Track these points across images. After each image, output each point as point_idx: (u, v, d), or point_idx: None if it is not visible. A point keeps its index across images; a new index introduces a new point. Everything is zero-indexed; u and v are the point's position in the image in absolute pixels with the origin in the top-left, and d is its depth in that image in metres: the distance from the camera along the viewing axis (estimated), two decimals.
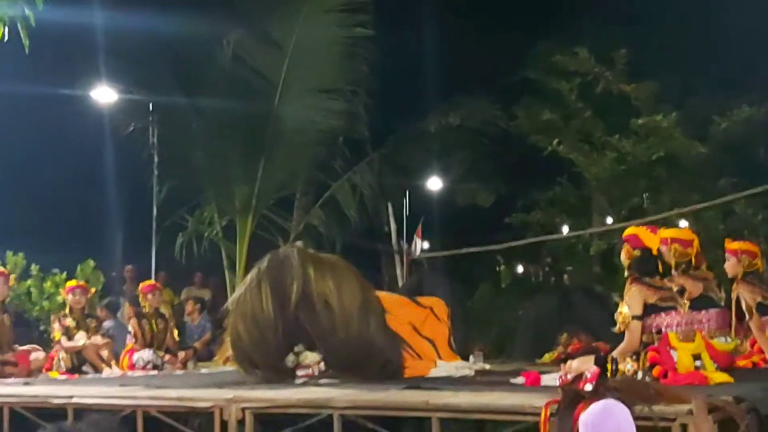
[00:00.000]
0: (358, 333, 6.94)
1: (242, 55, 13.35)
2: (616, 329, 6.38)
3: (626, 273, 6.55)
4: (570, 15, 15.64)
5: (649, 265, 6.37)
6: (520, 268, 19.56)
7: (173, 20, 12.59)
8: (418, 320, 7.74)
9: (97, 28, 13.10)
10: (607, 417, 3.85)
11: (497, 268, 18.94)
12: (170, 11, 12.38)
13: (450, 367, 7.43)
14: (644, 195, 14.05)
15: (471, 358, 8.76)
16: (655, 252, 6.42)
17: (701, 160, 13.53)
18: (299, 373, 7.14)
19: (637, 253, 6.44)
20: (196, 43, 13.20)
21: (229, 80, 13.26)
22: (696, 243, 6.53)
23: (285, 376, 7.04)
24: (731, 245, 7.91)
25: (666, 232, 6.57)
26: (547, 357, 9.53)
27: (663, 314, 6.16)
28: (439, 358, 7.61)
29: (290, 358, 7.15)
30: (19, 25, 6.38)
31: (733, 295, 7.52)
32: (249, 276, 7.39)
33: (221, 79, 13.30)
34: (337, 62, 13.23)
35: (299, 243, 7.61)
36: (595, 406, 3.97)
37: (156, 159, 13.53)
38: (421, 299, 8.19)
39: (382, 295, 7.88)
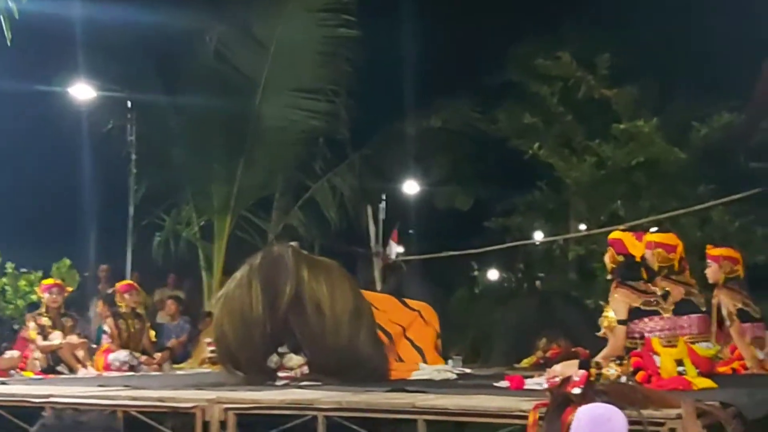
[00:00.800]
0: (347, 341, 6.87)
1: (224, 52, 13.30)
2: (600, 333, 6.37)
3: (609, 277, 6.56)
4: (552, 19, 15.67)
5: (632, 272, 6.37)
6: (496, 273, 19.55)
7: (154, 16, 12.51)
8: (405, 322, 7.70)
9: (76, 23, 12.99)
10: (603, 421, 3.82)
11: (473, 273, 18.93)
12: (151, 7, 12.31)
13: (431, 370, 7.39)
14: (619, 201, 14.07)
15: (450, 362, 8.74)
16: (638, 259, 6.42)
17: (680, 166, 13.57)
18: (281, 374, 7.06)
19: (620, 258, 6.44)
20: (177, 39, 13.14)
21: (210, 78, 13.21)
22: (680, 249, 6.55)
23: (266, 377, 6.95)
24: (713, 251, 7.95)
25: (651, 237, 6.58)
26: (525, 362, 9.53)
27: (646, 319, 6.16)
28: (425, 362, 7.56)
29: (273, 359, 7.05)
30: (1, 18, 6.29)
31: (714, 302, 7.55)
32: (240, 272, 7.28)
33: (202, 77, 13.24)
34: (320, 62, 13.22)
35: (295, 243, 7.49)
36: (592, 408, 3.92)
37: (134, 157, 13.40)
38: (411, 302, 8.16)
39: (374, 294, 7.83)
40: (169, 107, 13.48)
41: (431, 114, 14.72)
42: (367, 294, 7.78)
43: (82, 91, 13.88)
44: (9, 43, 6.38)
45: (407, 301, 8.17)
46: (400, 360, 7.51)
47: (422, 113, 14.96)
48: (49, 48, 13.20)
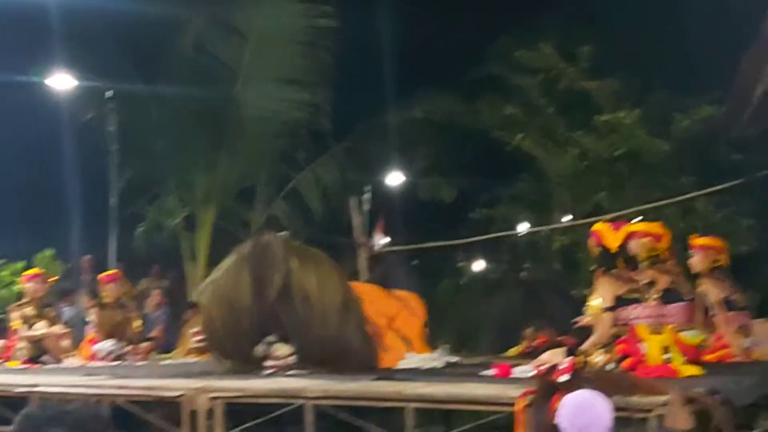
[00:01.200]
0: (335, 332, 6.86)
1: (204, 42, 13.24)
2: (582, 322, 6.40)
3: (592, 267, 6.58)
4: (534, 11, 15.69)
5: (608, 263, 6.40)
6: (482, 264, 19.58)
7: (133, 5, 12.42)
8: (392, 313, 7.69)
9: (54, 12, 12.88)
10: (587, 407, 3.85)
11: (458, 264, 18.95)
12: None
13: (418, 359, 7.40)
14: (603, 192, 14.13)
15: (438, 351, 8.75)
16: (614, 251, 6.45)
17: (663, 158, 13.64)
18: (268, 363, 7.05)
19: (598, 249, 6.47)
20: (156, 29, 13.03)
21: (190, 68, 13.13)
22: (667, 238, 6.58)
23: (253, 366, 6.94)
24: (697, 241, 7.98)
25: (638, 226, 6.61)
26: (512, 351, 9.56)
27: (631, 307, 6.19)
28: (412, 349, 7.57)
29: (261, 348, 7.04)
30: None
31: (700, 290, 7.58)
32: (228, 261, 7.26)
33: (182, 66, 13.16)
34: (300, 52, 13.17)
35: (285, 233, 7.46)
36: (577, 395, 3.96)
37: (115, 147, 13.31)
38: (397, 292, 8.15)
39: (361, 285, 7.82)
40: (149, 97, 13.39)
41: (414, 105, 14.72)
42: (354, 285, 7.77)
43: (62, 82, 13.76)
44: None
45: (395, 292, 8.15)
46: (386, 350, 7.51)
47: (405, 104, 14.95)
48: (27, 38, 13.11)
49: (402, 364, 7.24)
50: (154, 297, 12.40)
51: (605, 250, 6.42)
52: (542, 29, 15.19)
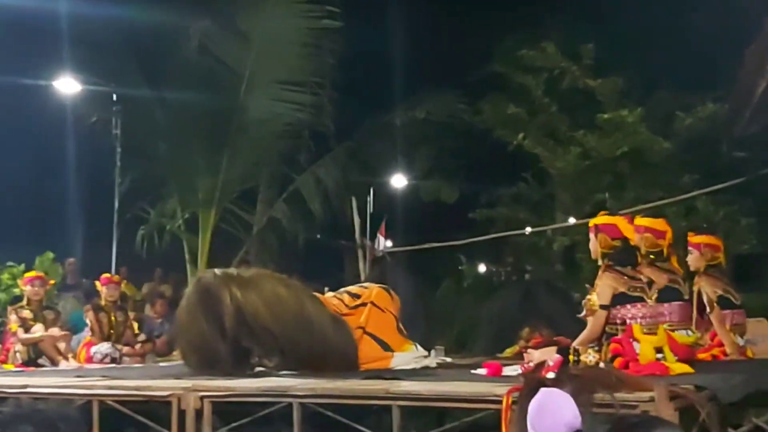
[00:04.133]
0: (307, 342, 6.79)
1: (208, 45, 13.22)
2: (581, 315, 6.34)
3: (600, 262, 6.42)
4: (537, 10, 15.67)
5: (628, 256, 6.31)
6: (483, 266, 19.55)
7: (138, 10, 12.45)
8: (362, 321, 7.61)
9: (60, 17, 12.93)
10: (542, 406, 3.80)
11: (460, 266, 18.92)
12: (135, 0, 12.25)
13: (408, 358, 7.35)
14: (606, 193, 14.10)
15: (432, 352, 8.71)
16: (633, 242, 6.38)
17: (665, 156, 13.62)
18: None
19: (616, 243, 6.34)
20: (161, 33, 13.06)
21: (194, 71, 13.13)
22: (669, 235, 6.50)
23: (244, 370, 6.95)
24: (694, 238, 7.95)
25: (641, 221, 6.54)
26: (508, 351, 9.51)
27: (629, 306, 6.14)
28: (391, 349, 7.48)
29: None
30: None
31: (695, 288, 7.54)
32: (181, 305, 7.35)
33: (186, 69, 13.16)
34: (303, 54, 13.15)
35: (219, 270, 7.41)
36: (540, 395, 3.89)
37: (118, 150, 13.36)
38: (360, 290, 7.95)
39: (322, 297, 7.71)
40: (153, 100, 13.39)
41: (415, 106, 14.67)
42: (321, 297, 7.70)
43: (67, 85, 13.80)
44: None
45: (356, 290, 7.98)
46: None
47: (406, 105, 14.91)
48: (34, 42, 13.15)
49: (393, 364, 7.21)
50: (159, 305, 12.44)
51: (624, 242, 6.33)
52: (545, 28, 15.19)
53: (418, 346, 7.70)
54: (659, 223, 6.62)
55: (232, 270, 7.51)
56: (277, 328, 6.77)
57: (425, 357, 7.50)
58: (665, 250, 6.47)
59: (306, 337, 6.82)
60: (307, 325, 6.93)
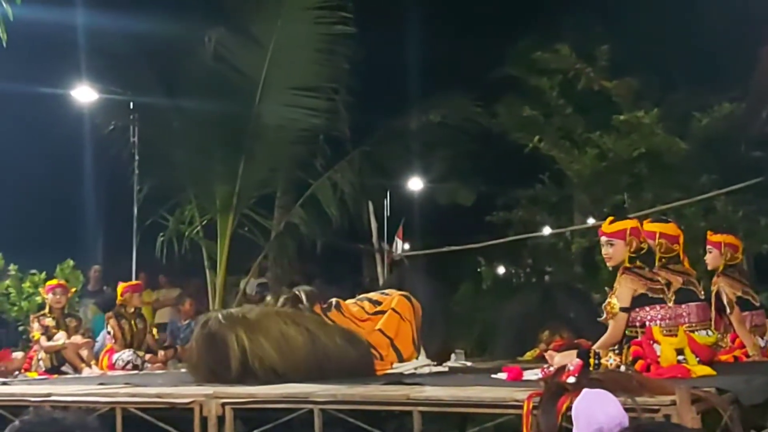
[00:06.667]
0: (320, 374, 6.68)
1: (223, 53, 13.27)
2: (602, 319, 6.33)
3: (627, 264, 6.37)
4: (551, 11, 15.66)
5: (649, 258, 6.32)
6: (502, 268, 19.53)
7: (154, 18, 12.52)
8: (379, 325, 7.63)
9: (77, 25, 13.02)
10: (589, 407, 3.81)
11: (478, 269, 18.91)
12: (151, 9, 12.32)
13: (408, 366, 7.37)
14: (625, 194, 14.06)
15: (453, 356, 8.73)
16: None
17: (682, 157, 13.55)
18: None
19: (650, 244, 6.33)
20: (177, 41, 13.11)
21: (210, 78, 13.17)
22: (681, 239, 6.50)
23: None
24: (713, 237, 7.91)
25: (653, 226, 6.52)
26: (529, 354, 9.49)
27: (647, 308, 6.14)
28: (401, 359, 7.50)
29: None
30: None
31: (714, 289, 7.52)
32: (189, 347, 7.43)
33: (202, 77, 13.21)
34: (318, 60, 13.18)
35: (223, 311, 7.41)
36: (587, 395, 3.90)
37: (136, 158, 13.44)
38: (381, 297, 7.98)
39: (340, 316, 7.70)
40: (170, 108, 13.45)
41: (430, 109, 14.66)
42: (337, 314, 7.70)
43: (85, 94, 13.91)
44: (3, 44, 6.40)
45: (379, 297, 7.98)
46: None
47: (421, 108, 14.89)
48: (51, 51, 13.25)
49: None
50: (188, 305, 12.54)
51: (671, 242, 6.32)
52: (559, 29, 15.15)
53: (423, 356, 7.72)
54: (672, 228, 6.60)
55: (238, 311, 7.42)
56: (286, 368, 6.72)
57: (426, 366, 7.50)
58: (681, 254, 6.47)
59: (317, 369, 6.78)
60: (320, 358, 6.91)
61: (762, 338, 7.35)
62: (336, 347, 7.09)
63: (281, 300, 7.84)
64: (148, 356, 10.04)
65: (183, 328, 12.27)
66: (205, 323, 7.15)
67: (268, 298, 11.13)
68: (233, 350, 6.74)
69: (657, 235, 6.43)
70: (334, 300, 7.87)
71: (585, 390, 3.97)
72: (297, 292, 7.75)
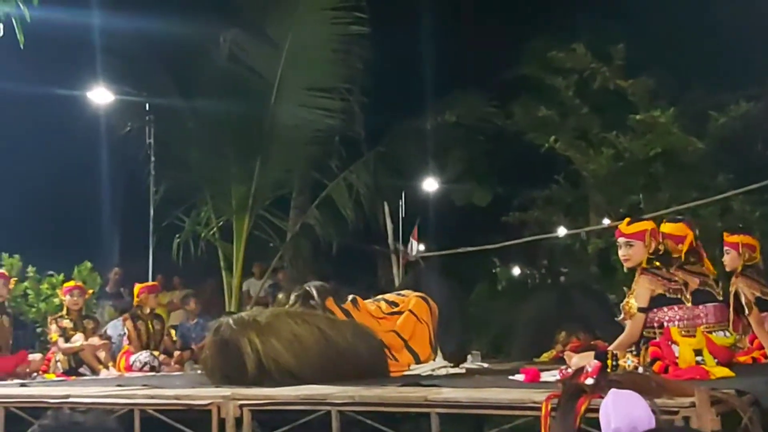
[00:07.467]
0: (334, 372, 6.65)
1: (238, 54, 13.32)
2: (619, 319, 6.30)
3: (645, 265, 6.33)
4: (566, 11, 15.62)
5: (667, 258, 6.29)
6: (518, 269, 19.50)
7: (169, 20, 12.57)
8: (396, 325, 7.62)
9: (93, 28, 13.08)
10: (617, 407, 3.78)
11: (494, 269, 18.88)
12: (166, 11, 12.37)
13: (425, 369, 7.35)
14: (641, 194, 13.99)
15: (469, 357, 8.71)
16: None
17: (699, 156, 13.48)
18: None
19: (685, 247, 6.30)
20: (192, 42, 13.18)
21: (225, 80, 13.23)
22: (689, 239, 6.42)
23: None
24: (731, 238, 7.85)
25: (661, 227, 6.49)
26: (545, 356, 9.48)
27: (665, 309, 6.10)
28: (418, 360, 7.47)
29: None
30: (14, 21, 6.36)
31: (732, 290, 7.46)
32: (204, 353, 7.39)
33: (217, 78, 13.26)
34: (333, 60, 13.22)
35: (234, 316, 7.41)
36: (617, 395, 3.86)
37: (152, 159, 13.50)
38: (398, 299, 7.95)
39: (360, 313, 7.68)
40: (185, 109, 13.52)
41: (446, 109, 14.69)
42: (356, 311, 7.68)
43: (101, 95, 13.97)
44: (21, 46, 6.44)
45: (396, 298, 7.96)
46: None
47: (436, 109, 14.93)
48: (67, 53, 13.31)
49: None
50: (192, 303, 12.54)
51: (675, 242, 6.30)
52: (574, 29, 15.12)
53: (440, 357, 7.70)
54: (679, 228, 6.51)
55: (249, 315, 7.39)
56: (300, 369, 6.69)
57: (442, 367, 7.48)
58: (683, 256, 6.39)
59: (331, 367, 6.76)
60: (333, 356, 6.88)
61: None
62: (347, 344, 7.07)
63: (292, 297, 7.83)
64: (164, 357, 10.06)
65: (192, 328, 12.28)
66: (217, 330, 7.13)
67: (280, 295, 11.19)
68: (247, 354, 6.72)
69: (662, 236, 6.39)
70: (351, 296, 7.86)
71: (613, 390, 3.95)
72: (307, 288, 7.72)
